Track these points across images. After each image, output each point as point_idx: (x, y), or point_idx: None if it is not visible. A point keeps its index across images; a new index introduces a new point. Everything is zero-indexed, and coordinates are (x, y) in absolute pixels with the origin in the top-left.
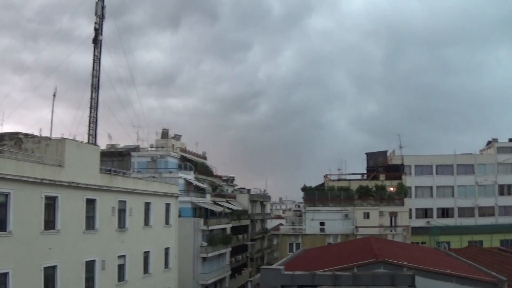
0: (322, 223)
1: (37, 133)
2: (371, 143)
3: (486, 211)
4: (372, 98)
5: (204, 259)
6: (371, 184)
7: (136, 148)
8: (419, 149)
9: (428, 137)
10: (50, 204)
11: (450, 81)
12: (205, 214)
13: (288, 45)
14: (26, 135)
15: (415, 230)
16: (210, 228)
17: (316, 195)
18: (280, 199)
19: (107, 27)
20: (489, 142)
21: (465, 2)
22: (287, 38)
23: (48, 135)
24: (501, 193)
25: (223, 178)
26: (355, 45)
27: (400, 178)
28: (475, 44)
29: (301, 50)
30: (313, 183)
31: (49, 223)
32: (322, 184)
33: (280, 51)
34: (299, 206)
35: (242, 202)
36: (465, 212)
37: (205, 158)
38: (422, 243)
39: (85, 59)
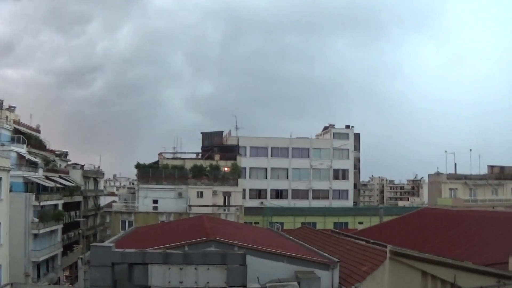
0: (155, 201)
1: None
2: (206, 123)
3: (320, 194)
4: (208, 79)
5: (35, 235)
6: (206, 163)
7: None
8: (255, 132)
9: (264, 121)
10: None
11: (288, 68)
12: (37, 189)
13: (127, 21)
14: None
15: (249, 210)
16: (41, 204)
17: (149, 173)
18: (114, 176)
19: None
20: (325, 128)
21: None
22: (127, 14)
23: None
24: (336, 177)
25: (57, 152)
26: (194, 25)
27: (235, 159)
28: (313, 34)
29: (140, 27)
30: (148, 160)
31: None
32: (157, 162)
33: (119, 27)
34: (133, 184)
35: (75, 178)
36: (299, 194)
37: (39, 132)
38: (255, 223)
39: None
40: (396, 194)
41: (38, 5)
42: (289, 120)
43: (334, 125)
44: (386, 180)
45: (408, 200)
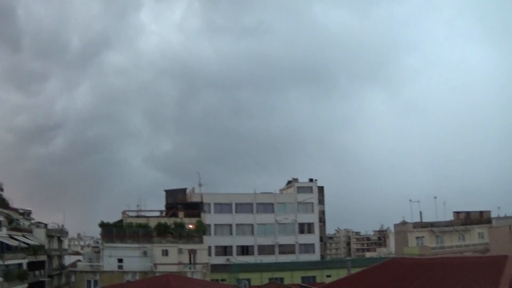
0: (120, 260)
1: None
2: (166, 181)
3: (286, 249)
4: (166, 137)
5: None
6: (170, 221)
7: None
8: (217, 188)
9: (224, 177)
10: None
11: (243, 123)
12: (0, 248)
13: (85, 79)
14: None
15: (215, 268)
16: (6, 263)
17: (114, 231)
18: (79, 234)
19: None
20: (289, 182)
21: (255, 48)
22: (84, 73)
23: None
24: (301, 231)
25: (20, 211)
26: (150, 83)
27: (199, 216)
28: (267, 88)
29: (97, 85)
30: (112, 219)
31: None
32: (121, 221)
33: (77, 85)
34: (97, 242)
35: (39, 237)
36: (266, 249)
37: (1, 190)
38: (222, 280)
39: None
40: (363, 245)
41: None
42: (250, 175)
43: (297, 179)
44: (352, 232)
45: (375, 250)
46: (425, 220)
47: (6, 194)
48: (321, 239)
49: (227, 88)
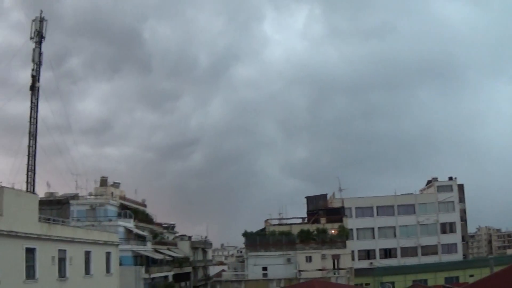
0: (264, 268)
1: None
2: (304, 188)
3: (429, 250)
4: (300, 145)
5: None
6: (312, 227)
7: (75, 196)
8: (356, 192)
9: (358, 181)
10: None
11: (376, 125)
12: (146, 262)
13: (216, 94)
14: None
15: (359, 272)
16: (152, 276)
17: (257, 240)
18: (222, 245)
19: (45, 74)
20: (429, 182)
21: (380, 49)
22: (215, 88)
23: None
24: (443, 231)
25: (164, 225)
26: (280, 93)
27: (341, 221)
28: (396, 88)
29: (229, 99)
30: (254, 228)
31: None
32: (263, 229)
33: (209, 101)
34: (241, 252)
35: (183, 249)
36: (408, 251)
37: (145, 206)
38: (366, 284)
39: (22, 106)
40: (504, 243)
41: (129, 84)
42: (386, 177)
43: (437, 178)
44: (493, 230)
45: None
46: None
47: (149, 210)
48: (463, 238)
49: (356, 92)
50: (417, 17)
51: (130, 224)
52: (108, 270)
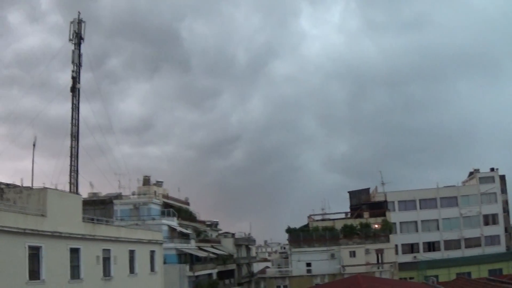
0: (308, 264)
1: (18, 183)
2: (346, 182)
3: (472, 242)
4: (341, 139)
5: None
6: (356, 222)
7: (118, 196)
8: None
9: (400, 174)
10: (34, 254)
11: (416, 118)
12: (190, 260)
13: (256, 90)
14: (7, 185)
15: (402, 266)
16: (196, 274)
17: (301, 236)
18: (265, 241)
19: (85, 75)
20: (471, 173)
21: (417, 40)
22: (254, 84)
23: (29, 184)
24: (486, 223)
25: (207, 223)
26: (319, 87)
27: (384, 215)
28: (435, 80)
29: (268, 95)
30: (297, 224)
31: (34, 273)
32: (307, 225)
33: (249, 97)
34: (284, 248)
35: (227, 247)
36: (451, 244)
37: (188, 204)
38: (410, 278)
39: (63, 107)
40: None
41: (168, 83)
42: (428, 170)
43: (479, 170)
44: None
45: None
46: None
47: (192, 208)
48: (506, 230)
49: (395, 84)
50: (453, 7)
51: (174, 222)
52: (152, 268)
